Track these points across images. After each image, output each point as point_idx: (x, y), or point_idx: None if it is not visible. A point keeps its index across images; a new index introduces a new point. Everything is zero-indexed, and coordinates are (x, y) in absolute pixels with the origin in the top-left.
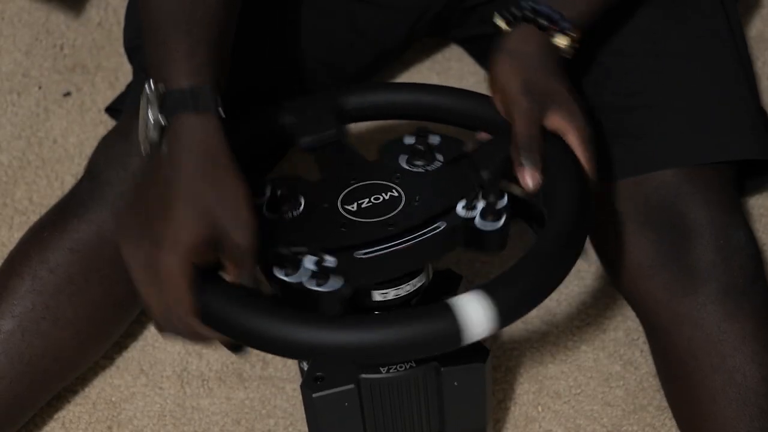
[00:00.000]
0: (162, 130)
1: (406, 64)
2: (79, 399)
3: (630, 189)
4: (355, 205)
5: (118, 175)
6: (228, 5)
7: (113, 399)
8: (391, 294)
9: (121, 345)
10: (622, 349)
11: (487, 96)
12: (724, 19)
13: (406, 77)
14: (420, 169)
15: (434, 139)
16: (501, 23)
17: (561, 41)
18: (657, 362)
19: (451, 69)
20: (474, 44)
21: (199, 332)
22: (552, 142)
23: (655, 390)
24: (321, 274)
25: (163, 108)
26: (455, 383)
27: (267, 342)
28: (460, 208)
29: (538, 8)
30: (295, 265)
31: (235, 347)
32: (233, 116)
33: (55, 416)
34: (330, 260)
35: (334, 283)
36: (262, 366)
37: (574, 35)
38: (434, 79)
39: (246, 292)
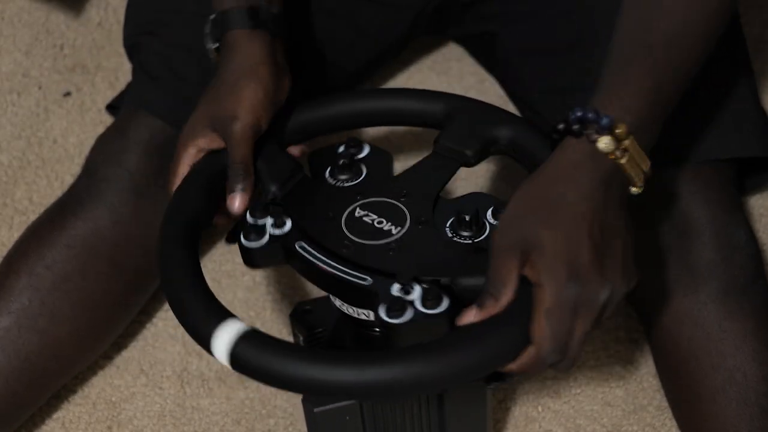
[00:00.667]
0: (215, 52)
1: (406, 64)
2: (79, 399)
3: None
4: (363, 213)
5: (115, 173)
6: None
7: (113, 399)
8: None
9: (121, 345)
10: (622, 349)
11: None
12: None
13: (406, 77)
14: (449, 233)
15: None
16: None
17: (602, 143)
18: (657, 361)
19: (451, 69)
20: (472, 42)
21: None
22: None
23: (655, 390)
24: (257, 231)
25: (213, 33)
26: (457, 402)
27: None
28: (396, 285)
29: (572, 114)
30: (262, 213)
31: (230, 236)
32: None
33: (55, 416)
34: (283, 229)
35: (258, 243)
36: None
37: (619, 131)
38: (434, 79)
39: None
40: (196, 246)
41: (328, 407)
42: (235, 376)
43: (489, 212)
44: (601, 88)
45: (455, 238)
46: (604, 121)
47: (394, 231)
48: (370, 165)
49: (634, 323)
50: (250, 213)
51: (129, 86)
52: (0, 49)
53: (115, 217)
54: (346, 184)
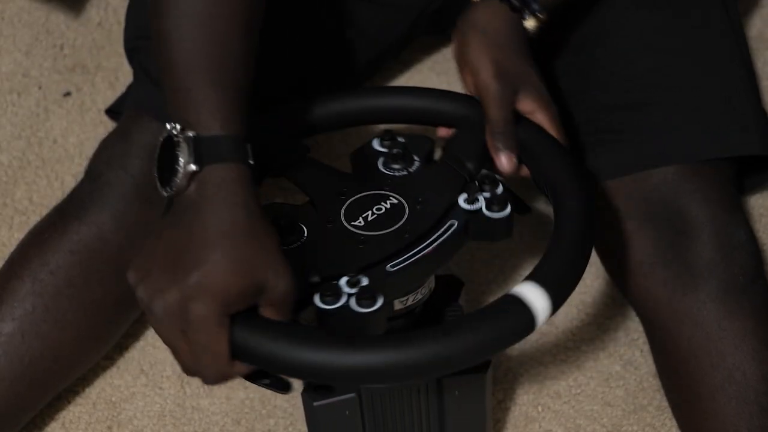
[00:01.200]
0: (191, 176)
1: (406, 64)
2: (79, 399)
3: (630, 187)
4: (361, 220)
5: (118, 177)
6: (249, 44)
7: (113, 399)
8: (410, 300)
9: (121, 345)
10: (622, 349)
11: (445, 92)
12: (724, 16)
13: (406, 77)
14: (403, 172)
15: (401, 141)
16: None
17: (530, 24)
18: (657, 360)
19: (451, 69)
20: None
21: (232, 374)
22: (525, 124)
23: (655, 390)
24: (366, 294)
25: (196, 155)
26: (456, 393)
27: (325, 371)
28: (462, 202)
29: None
30: (334, 291)
31: (280, 385)
32: None
33: (55, 416)
34: (364, 280)
35: (379, 301)
36: None
37: (543, 18)
38: (434, 79)
39: (287, 325)
40: None
41: (327, 401)
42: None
43: (377, 145)
44: None
45: (409, 171)
46: (535, 6)
47: (394, 200)
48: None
49: (633, 323)
50: (322, 301)
51: (129, 89)
52: (0, 49)
53: (119, 222)
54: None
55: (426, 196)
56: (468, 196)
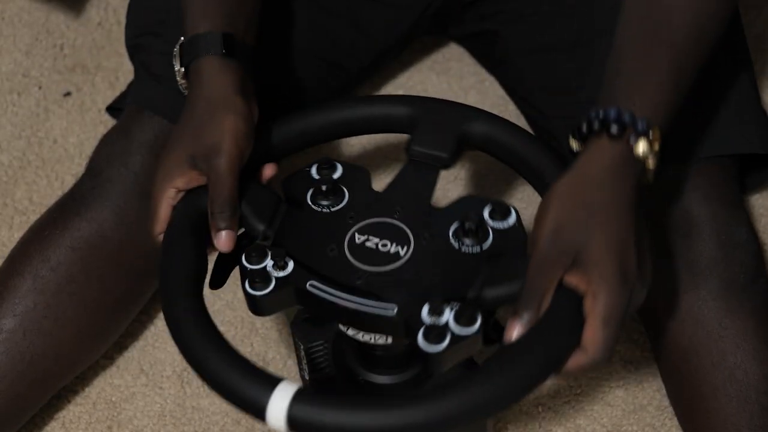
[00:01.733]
0: (183, 76)
1: (406, 64)
2: (79, 399)
3: None
4: (364, 238)
5: (119, 173)
6: None
7: (113, 399)
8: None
9: (121, 345)
10: (622, 349)
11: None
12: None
13: (406, 77)
14: (455, 243)
15: (504, 222)
16: (573, 145)
17: (640, 148)
18: (658, 359)
19: (451, 69)
20: (473, 41)
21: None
22: (563, 296)
23: (655, 390)
24: (262, 278)
25: (181, 57)
26: None
27: None
28: (425, 309)
29: (608, 114)
30: (259, 257)
31: (214, 281)
32: None
33: (55, 416)
34: (287, 270)
35: (266, 290)
36: (262, 366)
37: (653, 135)
38: (434, 79)
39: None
40: (204, 304)
41: None
42: None
43: (486, 214)
44: (623, 83)
45: (463, 249)
46: (641, 125)
47: (401, 252)
48: (349, 184)
49: (634, 323)
50: (246, 258)
51: (130, 87)
52: (0, 49)
53: (120, 218)
54: (333, 209)
55: (421, 273)
56: (433, 309)
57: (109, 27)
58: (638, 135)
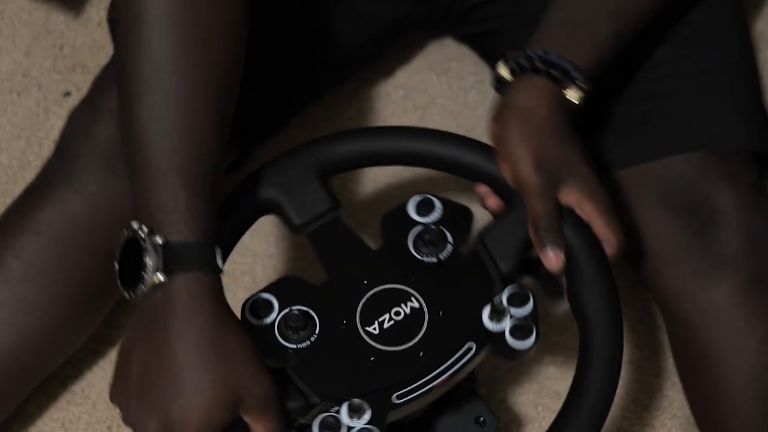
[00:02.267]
0: (158, 285)
1: (406, 64)
2: (79, 399)
3: (652, 175)
4: (376, 325)
5: (84, 146)
6: (221, 139)
7: None
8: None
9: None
10: None
11: (489, 147)
12: (735, 13)
13: (406, 77)
14: (432, 258)
15: (436, 212)
16: (505, 73)
17: (574, 95)
18: (677, 355)
19: (451, 69)
20: (477, 41)
21: None
22: (570, 221)
23: (656, 390)
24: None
25: (165, 264)
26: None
27: None
28: (486, 318)
29: (549, 58)
30: (334, 426)
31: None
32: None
33: (55, 416)
34: (367, 411)
35: None
36: None
37: (587, 88)
38: (434, 79)
39: None
40: None
41: None
42: None
43: (416, 217)
44: (562, 25)
45: (441, 257)
46: (577, 75)
47: (414, 304)
48: (299, 300)
49: (634, 324)
50: None
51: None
52: (0, 49)
53: (86, 197)
54: (317, 331)
55: (449, 304)
56: (491, 310)
57: None
58: (574, 84)
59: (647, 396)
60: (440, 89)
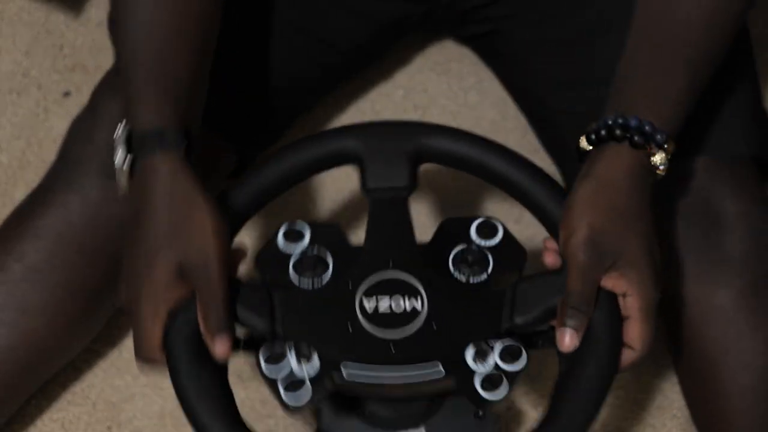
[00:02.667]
0: (130, 171)
1: (406, 65)
2: (79, 400)
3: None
4: (374, 302)
5: (85, 151)
6: (203, 43)
7: (113, 400)
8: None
9: (121, 345)
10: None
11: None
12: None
13: (406, 77)
14: (462, 277)
15: (495, 239)
16: (584, 145)
17: (658, 158)
18: (678, 356)
19: (451, 69)
20: (476, 40)
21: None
22: (603, 303)
23: (656, 390)
24: (294, 383)
25: (128, 150)
26: None
27: None
28: (468, 354)
29: (628, 123)
30: (278, 354)
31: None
32: (232, 97)
33: (55, 417)
34: (314, 363)
35: (302, 394)
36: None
37: (669, 148)
38: (434, 80)
39: None
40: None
41: None
42: (235, 376)
43: (475, 236)
44: (640, 90)
45: (472, 280)
46: (660, 137)
47: (417, 306)
48: (326, 246)
49: None
50: (266, 366)
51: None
52: (0, 49)
53: (86, 200)
54: (324, 281)
55: (446, 322)
56: (478, 351)
57: None
58: (658, 147)
59: (647, 396)
60: (440, 89)
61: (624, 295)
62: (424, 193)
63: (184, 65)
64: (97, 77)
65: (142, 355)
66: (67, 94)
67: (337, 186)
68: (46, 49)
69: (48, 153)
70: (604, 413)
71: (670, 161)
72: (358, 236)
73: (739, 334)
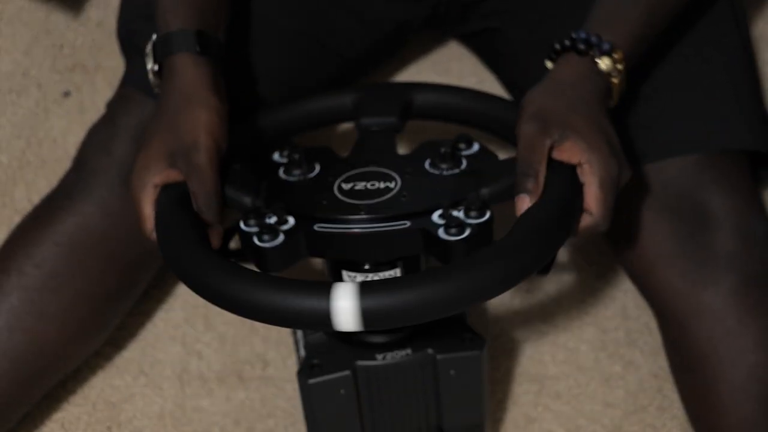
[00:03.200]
0: (156, 73)
1: (406, 64)
2: (78, 400)
3: (647, 176)
4: (351, 185)
5: (102, 162)
6: None
7: (113, 400)
8: (359, 278)
9: (120, 346)
10: (622, 350)
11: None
12: (731, 14)
13: (406, 77)
14: (436, 171)
15: (471, 149)
16: (547, 63)
17: (603, 64)
18: (671, 355)
19: (451, 69)
20: (475, 39)
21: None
22: (558, 170)
23: (656, 390)
24: (269, 230)
25: (154, 54)
26: (451, 372)
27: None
28: (435, 215)
29: (574, 35)
30: (259, 218)
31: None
32: (238, 105)
33: (55, 417)
34: (290, 223)
35: (277, 241)
36: (262, 366)
37: (616, 56)
38: (434, 80)
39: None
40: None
41: (321, 379)
42: (235, 376)
43: (450, 146)
44: (599, 13)
45: (444, 173)
46: (605, 46)
47: (391, 186)
48: (316, 157)
49: (634, 324)
50: (245, 222)
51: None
52: (0, 49)
53: (104, 210)
54: (310, 176)
55: (415, 193)
56: (443, 211)
57: (109, 27)
58: (602, 53)
59: (647, 396)
60: None
61: (579, 165)
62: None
63: None
64: (97, 77)
65: (138, 227)
66: (67, 94)
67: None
68: (46, 49)
69: (48, 153)
70: (604, 413)
71: (624, 78)
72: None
73: (727, 331)
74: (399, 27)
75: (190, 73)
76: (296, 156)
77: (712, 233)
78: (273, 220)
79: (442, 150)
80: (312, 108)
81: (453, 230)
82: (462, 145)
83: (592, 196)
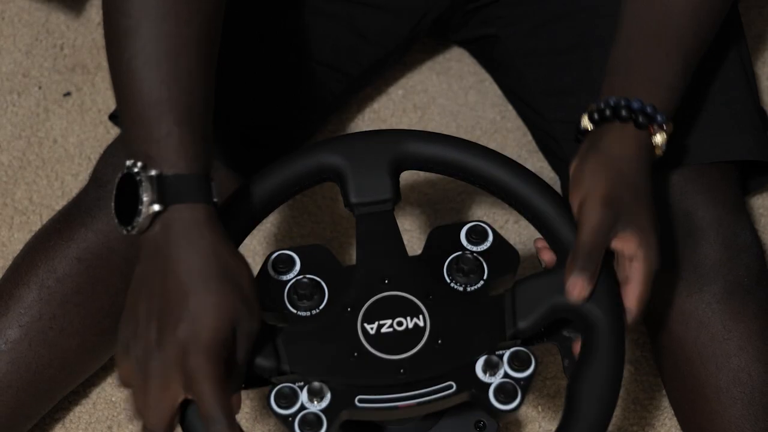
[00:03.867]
0: (155, 217)
1: (407, 65)
2: (79, 399)
3: None
4: (375, 325)
5: None
6: (210, 78)
7: (113, 399)
8: None
9: None
10: None
11: (565, 201)
12: (729, 29)
13: (406, 78)
14: (458, 286)
15: (486, 243)
16: (587, 124)
17: (659, 139)
18: (659, 361)
19: (451, 69)
20: (474, 45)
21: None
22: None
23: (655, 390)
24: (310, 426)
25: (159, 195)
26: None
27: None
28: (479, 366)
29: (632, 104)
30: (290, 397)
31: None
32: (243, 124)
33: (55, 416)
34: (326, 399)
35: (316, 429)
36: None
37: (669, 130)
38: (434, 79)
39: None
40: None
41: None
42: None
43: (465, 243)
44: (638, 73)
45: (468, 288)
46: (660, 118)
47: (420, 323)
48: (317, 271)
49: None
50: (277, 405)
51: None
52: (0, 49)
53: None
54: (321, 307)
55: (451, 337)
56: (487, 362)
57: None
58: (659, 127)
59: (647, 396)
60: (440, 89)
61: (631, 259)
62: (407, 203)
63: (207, 101)
64: (97, 77)
65: (149, 427)
66: (67, 94)
67: (318, 203)
68: (47, 49)
69: (48, 153)
70: None
71: (668, 143)
72: (346, 253)
73: (712, 336)
74: (403, 43)
75: (213, 223)
76: (302, 289)
77: (697, 243)
78: (306, 396)
79: (461, 263)
80: (291, 176)
81: (503, 398)
82: (474, 239)
83: (637, 296)
